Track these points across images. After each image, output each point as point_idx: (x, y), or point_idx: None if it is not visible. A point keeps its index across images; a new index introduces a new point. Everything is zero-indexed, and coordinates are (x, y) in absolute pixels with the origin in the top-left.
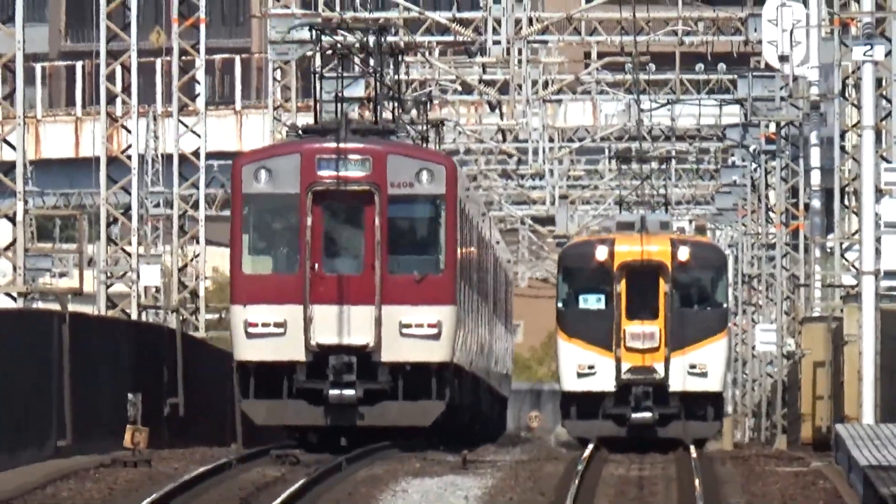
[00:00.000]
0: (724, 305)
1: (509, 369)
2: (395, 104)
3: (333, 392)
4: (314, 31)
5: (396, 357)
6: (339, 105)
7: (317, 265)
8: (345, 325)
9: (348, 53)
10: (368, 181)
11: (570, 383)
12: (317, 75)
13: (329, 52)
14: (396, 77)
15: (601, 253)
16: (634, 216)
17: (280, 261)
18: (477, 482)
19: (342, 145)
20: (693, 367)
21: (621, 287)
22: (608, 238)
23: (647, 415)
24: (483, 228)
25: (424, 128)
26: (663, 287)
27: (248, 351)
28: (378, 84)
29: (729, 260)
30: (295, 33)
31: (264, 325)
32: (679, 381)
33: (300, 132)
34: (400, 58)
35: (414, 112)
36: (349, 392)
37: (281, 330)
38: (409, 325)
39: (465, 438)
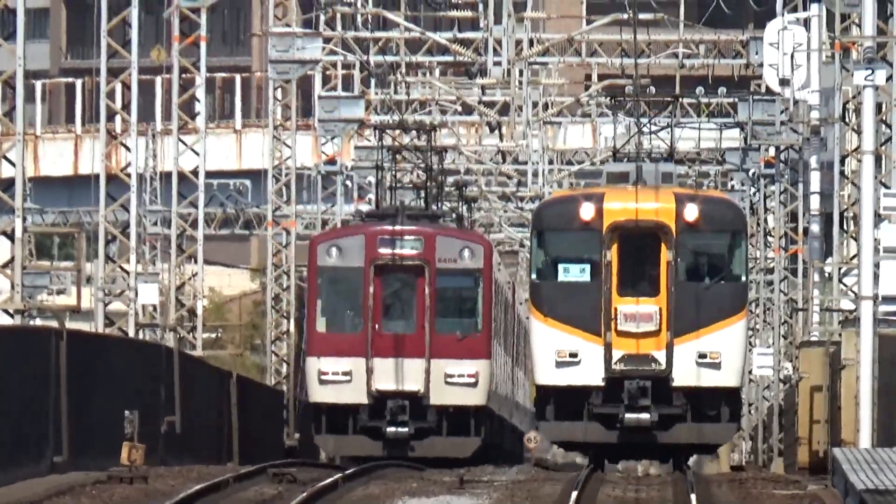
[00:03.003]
0: (743, 279)
1: (528, 409)
2: (440, 192)
3: (390, 429)
4: (377, 131)
5: (442, 401)
6: (393, 193)
7: (377, 325)
8: (400, 374)
9: (402, 149)
10: (420, 258)
11: (547, 375)
12: (379, 168)
13: (388, 149)
14: (441, 169)
15: (587, 211)
16: (629, 165)
17: (347, 321)
18: (473, 502)
19: (399, 228)
20: (703, 356)
21: (612, 254)
22: (596, 192)
23: (645, 416)
24: (508, 294)
25: (460, 207)
26: (665, 255)
27: (320, 394)
28: (429, 176)
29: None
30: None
31: (334, 373)
32: (685, 374)
33: (364, 217)
34: (444, 154)
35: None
36: (403, 429)
37: (348, 378)
38: (452, 375)
39: None
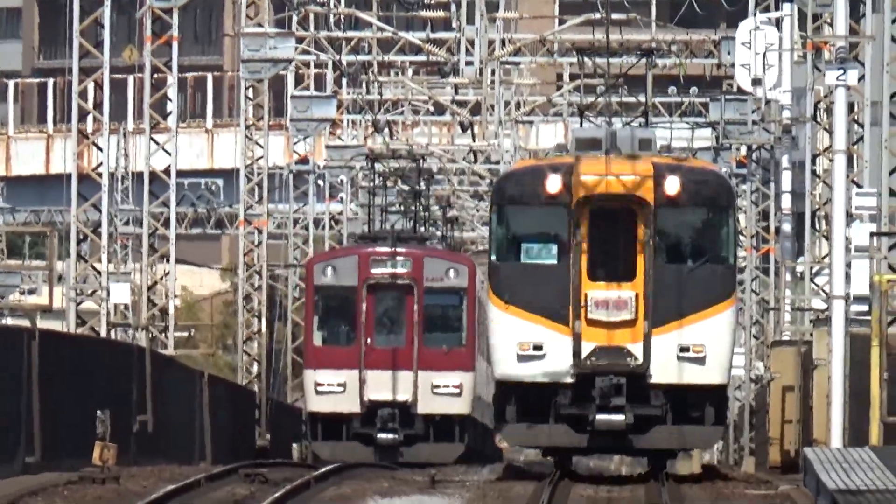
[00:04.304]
0: (731, 261)
1: None
2: (427, 214)
3: (381, 436)
4: (369, 160)
5: (429, 410)
6: (383, 216)
7: (369, 340)
8: (390, 385)
9: (391, 176)
10: (410, 277)
11: (508, 369)
12: (371, 192)
13: (378, 175)
14: (429, 194)
15: (553, 183)
16: (601, 130)
17: (342, 336)
18: (445, 502)
19: (389, 249)
20: (685, 349)
21: (582, 233)
22: (564, 162)
23: (619, 417)
24: None
25: (445, 228)
26: (642, 233)
27: (317, 404)
28: (417, 201)
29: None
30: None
31: (329, 385)
32: (664, 370)
33: (357, 239)
34: (430, 180)
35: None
36: (393, 436)
37: (342, 389)
38: (439, 386)
39: None
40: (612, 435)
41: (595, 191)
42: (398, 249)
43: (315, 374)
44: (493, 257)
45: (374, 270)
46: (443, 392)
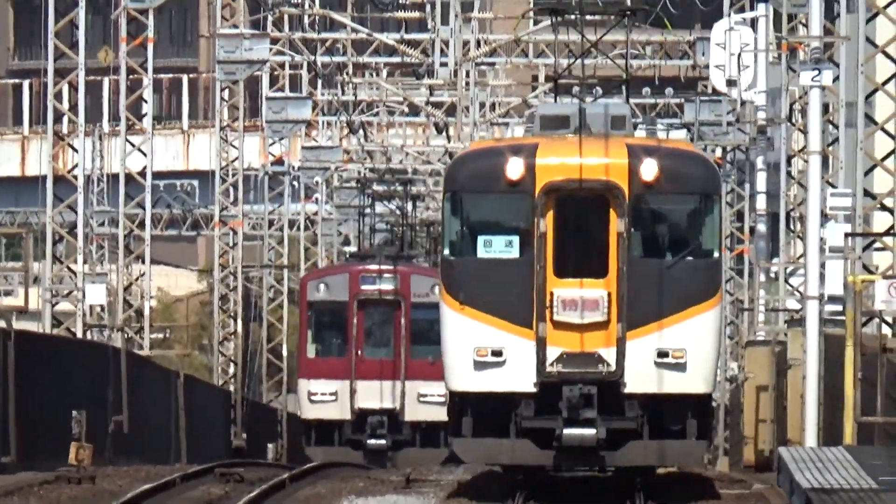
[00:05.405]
0: (715, 255)
1: None
2: (413, 233)
3: (371, 442)
4: (361, 183)
5: (415, 417)
6: (371, 235)
7: (360, 352)
8: (379, 394)
9: (380, 198)
10: (397, 293)
11: (463, 379)
12: (362, 214)
13: (368, 192)
14: (415, 216)
15: (514, 167)
16: (569, 106)
17: (334, 348)
18: (420, 501)
19: (378, 267)
20: (663, 354)
21: (547, 224)
22: (526, 143)
23: (589, 431)
24: None
25: (431, 246)
26: (615, 224)
27: (310, 412)
28: (404, 221)
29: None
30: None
31: (322, 394)
32: (640, 378)
33: (348, 257)
34: (416, 202)
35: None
36: (382, 441)
37: (334, 398)
38: (425, 395)
39: None
40: (582, 451)
41: (562, 176)
42: (386, 267)
43: (308, 384)
44: (446, 252)
45: (364, 287)
46: (428, 400)
